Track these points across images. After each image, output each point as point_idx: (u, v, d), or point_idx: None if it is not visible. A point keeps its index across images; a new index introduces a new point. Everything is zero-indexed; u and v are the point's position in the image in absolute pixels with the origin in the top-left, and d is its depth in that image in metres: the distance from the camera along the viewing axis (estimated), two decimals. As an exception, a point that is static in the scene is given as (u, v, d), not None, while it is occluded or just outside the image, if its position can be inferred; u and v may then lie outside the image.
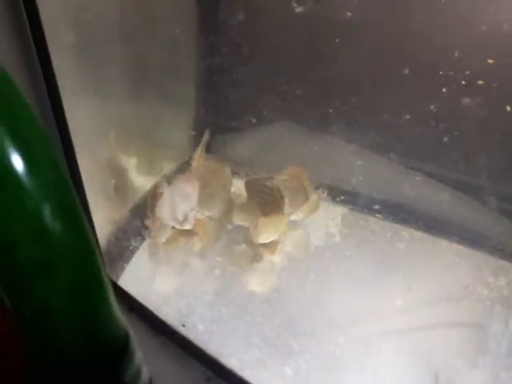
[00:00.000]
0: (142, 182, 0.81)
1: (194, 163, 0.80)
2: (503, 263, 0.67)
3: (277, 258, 0.75)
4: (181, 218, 0.74)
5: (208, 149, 0.79)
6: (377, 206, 0.76)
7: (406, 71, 0.65)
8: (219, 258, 0.77)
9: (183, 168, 0.82)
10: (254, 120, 0.77)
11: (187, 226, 0.75)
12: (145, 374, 0.38)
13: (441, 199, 0.73)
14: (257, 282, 0.74)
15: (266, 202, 0.75)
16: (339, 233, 0.75)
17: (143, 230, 0.78)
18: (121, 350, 0.34)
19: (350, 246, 0.74)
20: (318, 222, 0.76)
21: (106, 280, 0.33)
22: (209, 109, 0.80)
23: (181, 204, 0.75)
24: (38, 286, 0.28)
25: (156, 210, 0.75)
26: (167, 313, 0.74)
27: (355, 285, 0.72)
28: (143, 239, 0.78)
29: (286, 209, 0.75)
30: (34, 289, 0.28)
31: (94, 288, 0.31)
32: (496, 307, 0.62)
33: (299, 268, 0.75)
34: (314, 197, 0.75)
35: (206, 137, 0.82)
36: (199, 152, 0.81)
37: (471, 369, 0.59)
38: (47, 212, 0.28)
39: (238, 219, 0.78)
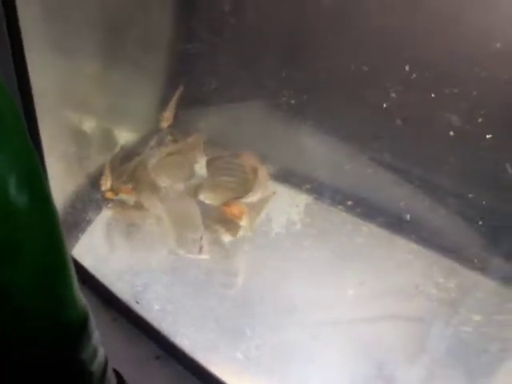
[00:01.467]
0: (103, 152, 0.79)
1: (164, 120, 0.79)
2: (455, 265, 0.70)
3: (236, 242, 0.77)
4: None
5: (174, 122, 0.79)
6: (340, 198, 0.78)
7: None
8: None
9: (147, 139, 0.81)
10: (225, 95, 0.76)
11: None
12: (101, 354, 0.39)
13: (402, 197, 0.76)
14: (214, 265, 0.75)
15: (234, 181, 0.76)
16: (301, 221, 0.77)
17: (102, 201, 0.77)
18: (80, 329, 0.34)
19: (309, 236, 0.77)
20: (281, 209, 0.78)
21: (70, 259, 0.32)
22: (179, 80, 0.78)
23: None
24: (1, 266, 0.28)
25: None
26: (121, 288, 0.75)
27: (311, 274, 0.75)
28: (101, 211, 0.77)
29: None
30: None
31: (58, 267, 0.31)
32: (442, 308, 0.65)
33: (258, 254, 0.77)
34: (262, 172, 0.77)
35: (179, 93, 0.82)
36: (171, 108, 0.80)
37: (411, 364, 0.63)
38: (13, 186, 0.27)
39: (206, 197, 0.78)
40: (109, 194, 0.78)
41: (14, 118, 0.28)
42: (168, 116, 0.82)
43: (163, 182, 0.79)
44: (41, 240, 0.29)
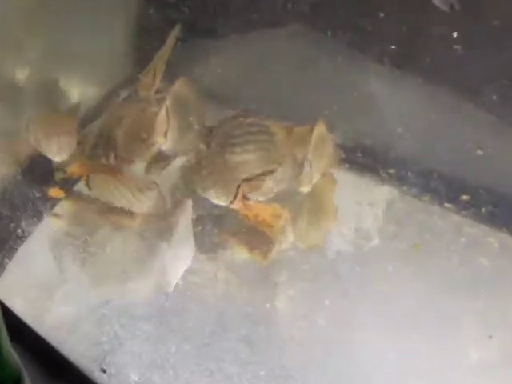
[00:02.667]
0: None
1: (144, 86, 0.52)
2: None
3: (269, 268, 0.46)
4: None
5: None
6: (448, 190, 0.47)
7: None
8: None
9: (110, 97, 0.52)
10: (236, 26, 0.47)
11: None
12: None
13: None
14: (228, 305, 0.46)
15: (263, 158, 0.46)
16: (379, 232, 0.46)
17: (44, 202, 0.49)
18: None
19: (394, 257, 0.46)
20: (346, 211, 0.47)
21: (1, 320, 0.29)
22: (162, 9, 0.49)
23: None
24: None
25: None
26: (75, 348, 0.47)
27: (398, 322, 0.45)
28: (41, 220, 0.49)
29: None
30: None
31: None
32: None
33: (306, 287, 0.47)
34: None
35: (174, 33, 0.54)
36: (161, 57, 0.53)
37: None
38: None
39: (211, 193, 0.48)
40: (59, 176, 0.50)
41: None
42: (150, 80, 0.53)
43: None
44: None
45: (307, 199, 0.49)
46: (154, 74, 0.55)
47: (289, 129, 0.47)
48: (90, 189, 0.50)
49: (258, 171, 0.46)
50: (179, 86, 0.49)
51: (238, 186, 0.47)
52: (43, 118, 0.53)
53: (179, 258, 0.52)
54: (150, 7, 0.52)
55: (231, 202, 0.48)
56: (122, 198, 0.52)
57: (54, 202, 0.52)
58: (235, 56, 0.51)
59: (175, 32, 0.55)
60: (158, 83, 0.55)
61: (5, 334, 0.31)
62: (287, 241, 0.49)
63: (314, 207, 0.48)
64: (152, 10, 0.54)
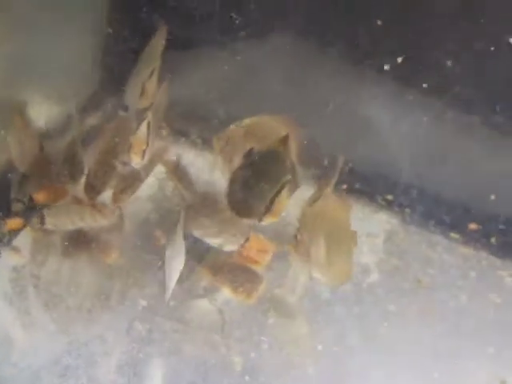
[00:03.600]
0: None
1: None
2: None
3: (256, 308, 0.41)
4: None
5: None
6: (450, 218, 0.42)
7: None
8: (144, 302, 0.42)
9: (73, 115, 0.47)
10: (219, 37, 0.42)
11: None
12: None
13: None
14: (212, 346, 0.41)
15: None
16: (379, 266, 0.41)
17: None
18: None
19: (396, 294, 0.41)
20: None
21: None
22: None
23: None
24: None
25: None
26: None
27: (399, 369, 0.39)
28: None
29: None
30: None
31: None
32: None
33: (296, 329, 0.41)
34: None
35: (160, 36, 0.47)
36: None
37: None
38: None
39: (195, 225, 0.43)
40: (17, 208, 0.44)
41: None
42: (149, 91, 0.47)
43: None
44: None
45: (321, 225, 0.41)
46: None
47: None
48: (42, 224, 0.45)
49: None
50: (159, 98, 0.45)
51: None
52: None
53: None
54: (118, 19, 0.48)
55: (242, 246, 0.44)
56: (81, 223, 0.48)
57: (12, 235, 0.47)
58: (218, 70, 0.46)
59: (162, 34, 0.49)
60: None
61: None
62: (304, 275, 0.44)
63: (330, 233, 0.40)
64: (121, 21, 0.50)
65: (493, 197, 0.41)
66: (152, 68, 0.49)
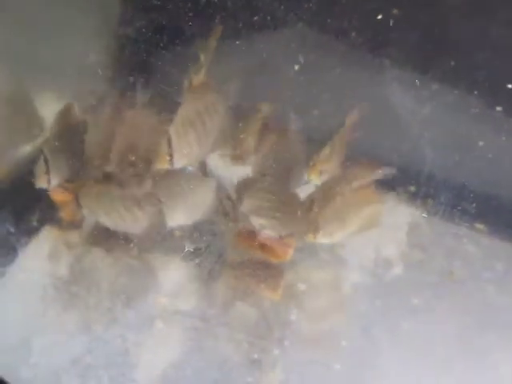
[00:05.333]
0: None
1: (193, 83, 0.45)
2: None
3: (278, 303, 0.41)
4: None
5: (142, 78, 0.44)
6: (476, 209, 0.41)
7: None
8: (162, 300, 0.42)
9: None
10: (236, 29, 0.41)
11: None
12: None
13: None
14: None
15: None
16: (402, 259, 0.40)
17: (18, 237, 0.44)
18: None
19: (421, 287, 0.40)
20: (361, 236, 0.41)
21: None
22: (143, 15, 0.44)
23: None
24: None
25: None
26: None
27: (427, 363, 0.39)
28: (15, 256, 0.43)
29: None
30: None
31: None
32: None
33: (318, 325, 0.41)
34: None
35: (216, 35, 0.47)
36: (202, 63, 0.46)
37: None
38: None
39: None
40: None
41: None
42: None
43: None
44: None
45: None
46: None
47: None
48: (80, 207, 0.45)
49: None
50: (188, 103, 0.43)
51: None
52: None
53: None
54: (129, 15, 0.48)
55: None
56: (115, 214, 0.47)
57: (30, 237, 0.47)
58: (235, 61, 0.46)
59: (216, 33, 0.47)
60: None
61: None
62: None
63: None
64: (131, 17, 0.50)
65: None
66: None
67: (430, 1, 0.40)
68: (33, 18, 0.47)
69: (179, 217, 0.47)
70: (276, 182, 0.44)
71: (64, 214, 0.46)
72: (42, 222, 0.46)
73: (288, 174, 0.45)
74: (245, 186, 0.45)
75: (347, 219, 0.41)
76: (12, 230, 0.45)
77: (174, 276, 0.45)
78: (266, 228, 0.41)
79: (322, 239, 0.41)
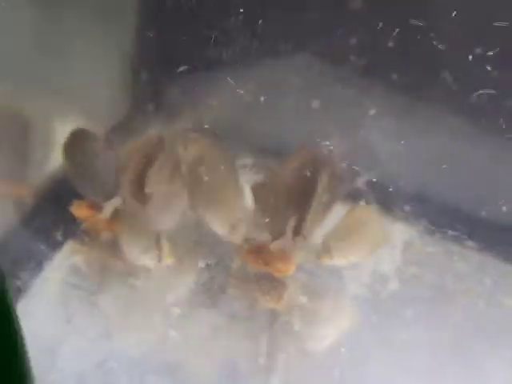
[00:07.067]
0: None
1: None
2: None
3: (279, 314, 0.45)
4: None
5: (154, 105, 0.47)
6: (468, 227, 0.44)
7: None
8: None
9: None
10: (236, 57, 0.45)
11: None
12: None
13: None
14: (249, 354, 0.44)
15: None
16: (398, 275, 0.44)
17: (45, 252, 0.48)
18: None
19: (417, 300, 0.43)
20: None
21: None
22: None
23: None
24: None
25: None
26: None
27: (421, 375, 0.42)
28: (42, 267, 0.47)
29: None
30: None
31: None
32: None
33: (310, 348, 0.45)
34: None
35: None
36: None
37: None
38: None
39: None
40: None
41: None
42: None
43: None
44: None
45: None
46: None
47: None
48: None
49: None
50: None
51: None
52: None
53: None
54: (149, 40, 0.51)
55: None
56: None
57: (54, 251, 0.51)
58: (235, 91, 0.50)
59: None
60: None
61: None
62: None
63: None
64: (151, 42, 0.53)
65: (504, 208, 0.44)
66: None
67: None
68: (48, 44, 0.51)
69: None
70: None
71: (86, 229, 0.50)
72: (66, 237, 0.50)
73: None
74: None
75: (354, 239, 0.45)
76: (38, 245, 0.50)
77: (186, 288, 0.49)
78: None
79: (337, 261, 0.44)
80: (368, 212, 0.44)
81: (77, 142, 0.48)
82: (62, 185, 0.50)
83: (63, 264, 0.49)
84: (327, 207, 0.45)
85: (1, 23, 0.48)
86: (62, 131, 0.49)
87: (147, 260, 0.47)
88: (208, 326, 0.46)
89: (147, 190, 0.46)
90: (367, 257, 0.44)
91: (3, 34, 0.49)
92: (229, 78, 0.48)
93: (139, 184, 0.46)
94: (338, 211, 0.44)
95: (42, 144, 0.51)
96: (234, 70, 0.49)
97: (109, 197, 0.48)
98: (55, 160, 0.49)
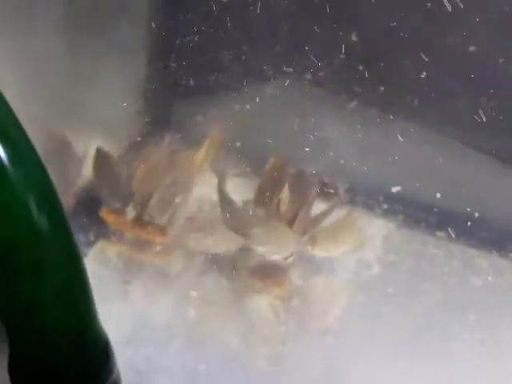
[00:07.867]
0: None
1: None
2: None
3: (279, 298, 0.53)
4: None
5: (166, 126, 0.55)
6: (438, 220, 0.52)
7: None
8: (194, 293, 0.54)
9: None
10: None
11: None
12: None
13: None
14: (248, 334, 0.53)
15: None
16: (379, 261, 0.52)
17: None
18: (102, 356, 0.33)
19: (395, 282, 0.52)
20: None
21: (89, 284, 0.32)
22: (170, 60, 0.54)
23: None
24: (26, 285, 0.28)
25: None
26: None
27: (398, 352, 0.51)
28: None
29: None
30: (22, 288, 0.28)
31: (79, 291, 0.31)
32: None
33: (309, 320, 0.53)
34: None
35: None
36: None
37: None
38: (35, 211, 0.27)
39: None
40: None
41: (20, 131, 0.27)
42: None
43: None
44: (64, 264, 0.29)
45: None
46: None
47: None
48: None
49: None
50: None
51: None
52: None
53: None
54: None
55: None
56: None
57: (88, 249, 0.57)
58: (227, 114, 0.55)
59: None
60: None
61: (93, 300, 0.33)
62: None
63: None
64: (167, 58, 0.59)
65: (469, 203, 0.52)
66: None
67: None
68: (75, 70, 0.57)
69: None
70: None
71: (114, 231, 0.58)
72: (97, 237, 0.57)
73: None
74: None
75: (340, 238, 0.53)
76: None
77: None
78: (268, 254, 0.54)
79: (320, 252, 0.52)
80: (353, 220, 0.53)
81: (100, 159, 0.57)
82: (91, 194, 0.58)
83: (96, 260, 0.58)
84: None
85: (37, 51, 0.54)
86: (91, 149, 0.57)
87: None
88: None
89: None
90: (344, 254, 0.53)
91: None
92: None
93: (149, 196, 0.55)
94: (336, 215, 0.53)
95: (76, 161, 0.58)
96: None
97: (126, 204, 0.57)
98: (86, 174, 0.58)
